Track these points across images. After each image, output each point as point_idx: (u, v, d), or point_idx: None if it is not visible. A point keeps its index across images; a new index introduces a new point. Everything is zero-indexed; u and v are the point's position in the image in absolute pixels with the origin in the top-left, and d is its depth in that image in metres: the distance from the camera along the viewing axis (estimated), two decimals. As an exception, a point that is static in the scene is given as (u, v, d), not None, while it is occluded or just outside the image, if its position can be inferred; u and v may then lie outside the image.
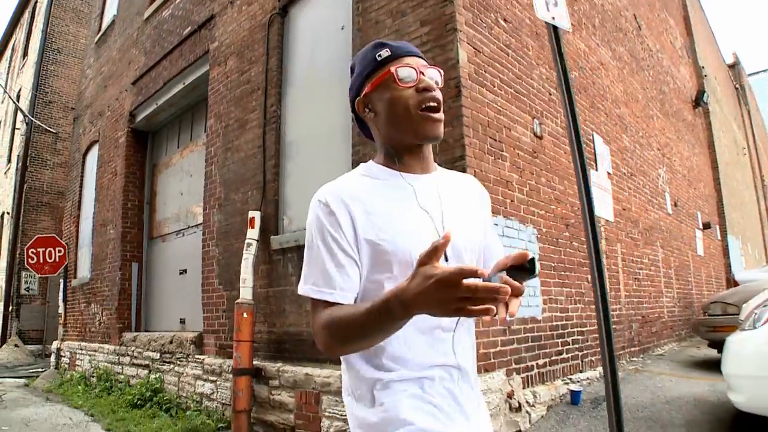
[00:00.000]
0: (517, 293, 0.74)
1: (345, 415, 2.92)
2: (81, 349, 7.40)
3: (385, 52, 1.01)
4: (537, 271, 0.77)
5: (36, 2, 13.51)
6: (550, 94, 4.32)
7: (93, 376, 6.72)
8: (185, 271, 6.11)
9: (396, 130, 1.00)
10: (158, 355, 5.70)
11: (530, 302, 3.58)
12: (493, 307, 0.70)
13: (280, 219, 4.50)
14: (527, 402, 3.42)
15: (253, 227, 4.53)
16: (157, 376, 5.60)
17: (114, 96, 7.62)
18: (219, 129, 5.29)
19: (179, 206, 6.42)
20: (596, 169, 4.89)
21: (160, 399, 5.33)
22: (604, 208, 4.92)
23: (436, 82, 1.01)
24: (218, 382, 4.75)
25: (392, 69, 0.98)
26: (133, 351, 6.19)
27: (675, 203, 7.34)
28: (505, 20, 3.91)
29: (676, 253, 7.06)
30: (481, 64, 3.50)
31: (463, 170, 3.18)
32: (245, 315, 4.32)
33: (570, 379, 3.97)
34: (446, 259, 0.95)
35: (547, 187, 4.02)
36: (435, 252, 0.73)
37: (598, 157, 4.96)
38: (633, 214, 5.77)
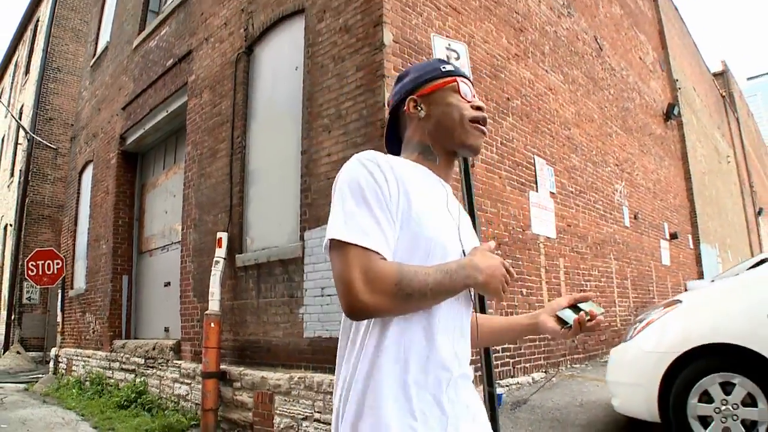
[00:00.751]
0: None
1: (293, 413, 3.61)
2: (77, 356, 8.11)
3: (449, 67, 1.13)
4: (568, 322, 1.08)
5: (38, 21, 14.37)
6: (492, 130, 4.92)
7: (87, 381, 7.41)
8: (169, 283, 6.78)
9: (445, 133, 1.07)
10: (143, 360, 6.37)
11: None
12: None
13: (243, 239, 5.15)
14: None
15: (220, 247, 5.19)
16: (142, 379, 6.27)
17: (106, 119, 8.34)
18: (195, 156, 5.96)
19: (164, 224, 7.10)
20: (536, 190, 5.48)
21: (143, 400, 6.00)
22: (544, 225, 5.50)
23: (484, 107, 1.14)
24: (192, 385, 5.40)
25: (459, 80, 1.10)
26: (122, 357, 6.87)
27: (635, 216, 7.89)
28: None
29: (634, 264, 7.60)
30: (408, 107, 4.11)
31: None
32: (212, 325, 4.96)
33: (499, 383, 4.55)
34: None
35: (479, 211, 4.62)
36: (489, 247, 0.99)
37: (539, 179, 5.55)
38: (580, 230, 6.34)
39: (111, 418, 5.60)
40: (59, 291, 9.15)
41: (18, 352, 11.11)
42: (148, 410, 5.78)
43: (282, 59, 5.08)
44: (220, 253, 5.16)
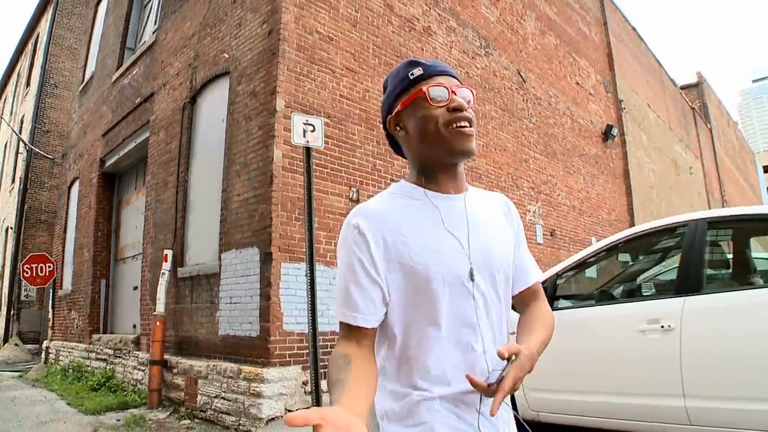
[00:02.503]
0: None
1: (208, 392, 5.39)
2: (63, 348, 9.87)
3: (417, 71, 1.11)
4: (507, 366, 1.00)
5: (38, 36, 16.24)
6: (375, 166, 6.44)
7: (70, 368, 9.15)
8: (137, 287, 8.46)
9: (428, 148, 1.10)
10: (112, 351, 8.07)
11: (330, 320, 5.73)
12: None
13: (184, 256, 6.77)
14: (323, 389, 5.58)
15: (166, 261, 6.82)
16: (111, 367, 7.97)
17: (90, 142, 10.06)
18: (153, 184, 7.60)
19: (134, 237, 8.78)
20: (424, 217, 6.98)
21: (110, 384, 7.68)
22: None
23: (468, 102, 1.10)
24: (145, 371, 7.05)
25: (424, 88, 1.08)
26: (97, 348, 8.59)
27: (551, 233, 9.30)
28: (327, 116, 6.05)
29: (547, 275, 9.03)
30: (295, 157, 5.65)
31: (269, 234, 5.35)
32: (158, 323, 6.60)
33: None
34: (472, 279, 1.07)
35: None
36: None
37: (428, 208, 7.04)
38: (480, 247, 7.81)
39: (83, 398, 7.29)
40: (50, 291, 10.95)
41: (16, 345, 13.01)
42: (114, 392, 7.46)
43: (214, 111, 6.67)
44: (166, 266, 6.80)
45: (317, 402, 4.40)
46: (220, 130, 6.41)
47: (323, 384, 5.05)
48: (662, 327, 3.08)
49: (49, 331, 10.76)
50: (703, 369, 2.94)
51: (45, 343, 10.87)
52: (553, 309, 3.60)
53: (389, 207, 1.09)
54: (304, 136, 4.88)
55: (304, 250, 5.47)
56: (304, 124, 4.94)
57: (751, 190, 24.29)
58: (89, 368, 8.64)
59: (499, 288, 1.12)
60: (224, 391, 5.57)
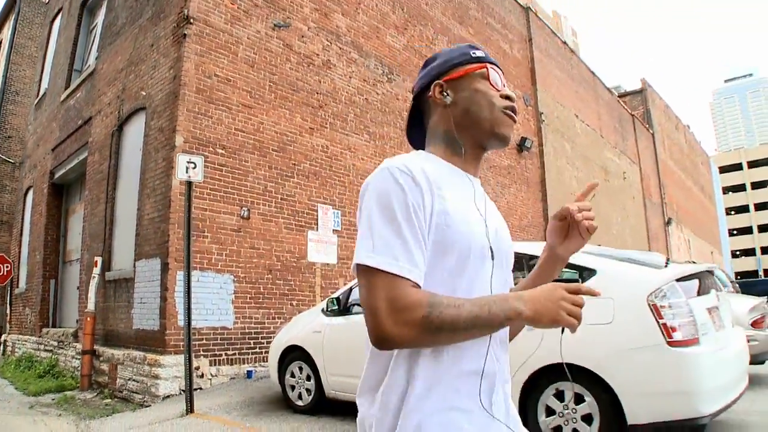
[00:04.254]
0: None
1: (124, 376, 7.16)
2: (18, 341, 11.57)
3: (480, 53, 1.20)
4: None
5: (0, 42, 17.78)
6: (266, 188, 8.07)
7: (23, 359, 10.85)
8: (79, 287, 10.14)
9: (473, 121, 1.14)
10: (57, 343, 9.75)
11: (221, 317, 7.40)
12: (578, 324, 0.98)
13: (111, 262, 8.43)
14: (211, 374, 7.27)
15: (96, 266, 8.48)
16: (55, 357, 9.65)
17: (43, 155, 11.69)
18: (89, 199, 9.25)
19: (79, 242, 10.42)
20: (316, 230, 8.63)
21: (54, 371, 9.37)
22: (324, 255, 8.65)
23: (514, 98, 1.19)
24: (80, 359, 8.74)
25: (489, 67, 1.17)
26: (46, 341, 10.27)
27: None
28: (222, 147, 7.68)
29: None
30: (196, 182, 7.28)
31: (167, 248, 7.00)
32: (89, 319, 8.27)
33: (257, 364, 7.75)
34: (492, 257, 1.10)
35: (251, 248, 7.80)
36: (579, 290, 1.02)
37: (320, 221, 8.69)
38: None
39: (29, 383, 8.98)
40: (8, 289, 12.63)
41: (-19, 338, 14.72)
42: (56, 377, 9.15)
43: (135, 141, 8.31)
44: (96, 271, 8.46)
45: (190, 384, 6.05)
46: (138, 158, 8.04)
47: (198, 368, 6.76)
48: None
49: (7, 326, 12.46)
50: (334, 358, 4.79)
51: (3, 337, 12.57)
52: (349, 314, 5.30)
53: (433, 167, 1.09)
54: (187, 172, 6.50)
55: (195, 260, 7.15)
56: (187, 162, 6.56)
57: (701, 192, 25.99)
58: (38, 358, 10.34)
59: (506, 273, 1.18)
60: (135, 375, 7.25)
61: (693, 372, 3.55)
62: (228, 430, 5.26)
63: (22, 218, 12.49)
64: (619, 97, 19.55)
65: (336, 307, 5.32)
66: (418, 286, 0.97)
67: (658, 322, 3.65)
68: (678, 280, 3.93)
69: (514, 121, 1.17)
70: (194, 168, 6.55)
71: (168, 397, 6.80)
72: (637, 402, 3.57)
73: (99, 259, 8.47)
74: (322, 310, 5.55)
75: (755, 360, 6.12)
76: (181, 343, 7.04)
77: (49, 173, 11.12)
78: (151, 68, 8.10)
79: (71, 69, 11.26)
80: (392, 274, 0.95)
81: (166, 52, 7.81)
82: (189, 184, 6.46)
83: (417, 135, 1.27)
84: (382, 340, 0.95)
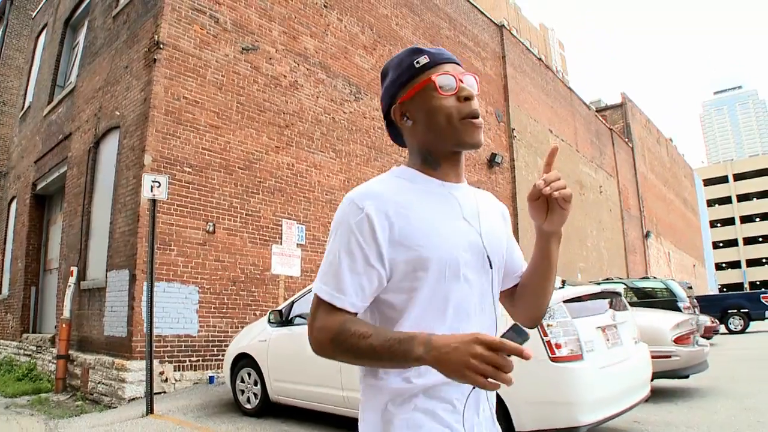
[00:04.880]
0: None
1: (95, 379, 7.89)
2: (0, 345, 12.26)
3: (423, 59, 1.18)
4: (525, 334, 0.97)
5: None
6: (231, 204, 8.77)
7: (4, 363, 11.53)
8: (57, 294, 10.83)
9: (437, 138, 1.16)
10: (36, 348, 10.44)
11: (186, 325, 8.08)
12: (497, 385, 0.93)
13: (86, 272, 9.12)
14: (175, 378, 7.95)
15: (72, 276, 9.17)
16: (34, 361, 10.33)
17: (26, 166, 12.40)
18: (68, 211, 9.95)
19: (58, 251, 11.14)
20: (280, 244, 9.32)
21: (32, 375, 10.04)
22: (288, 268, 9.33)
23: (475, 90, 1.18)
24: (56, 364, 9.42)
25: (433, 77, 1.15)
26: (25, 346, 10.96)
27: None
28: (190, 166, 8.38)
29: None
30: (157, 202, 7.98)
31: (135, 260, 7.69)
32: (64, 325, 8.95)
33: (219, 371, 8.42)
34: (491, 266, 1.17)
35: (215, 261, 8.49)
36: (503, 348, 0.92)
37: (285, 235, 9.38)
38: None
39: (7, 385, 9.65)
40: (-8, 295, 13.31)
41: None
42: (33, 381, 9.82)
43: (109, 158, 9.01)
44: (72, 280, 9.15)
45: (150, 387, 6.72)
46: (112, 174, 8.74)
47: (163, 373, 7.44)
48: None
49: (-9, 331, 13.14)
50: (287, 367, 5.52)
51: (-14, 342, 13.25)
52: (292, 325, 5.97)
53: (397, 188, 1.14)
54: (152, 191, 7.20)
55: (162, 272, 7.84)
56: (153, 181, 7.25)
57: (683, 204, 26.68)
58: (18, 362, 11.02)
59: (496, 281, 1.21)
60: (104, 378, 7.93)
61: (574, 385, 4.08)
62: (179, 429, 5.93)
63: (6, 227, 13.19)
64: (599, 111, 20.31)
65: (278, 319, 5.99)
66: (345, 311, 1.09)
67: (542, 339, 4.26)
68: (566, 301, 4.57)
69: (478, 126, 1.17)
70: (159, 187, 7.23)
71: (133, 399, 7.47)
72: (524, 410, 4.12)
73: (75, 269, 9.17)
74: (268, 320, 6.23)
75: (678, 374, 6.76)
76: (152, 350, 7.73)
77: (31, 185, 11.83)
78: (125, 89, 8.81)
79: (54, 84, 11.98)
80: (322, 299, 1.10)
81: (138, 75, 8.52)
82: (153, 202, 7.15)
83: (402, 140, 1.30)
84: (311, 347, 1.11)
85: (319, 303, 1.11)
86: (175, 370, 7.95)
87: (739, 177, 77.30)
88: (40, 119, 12.07)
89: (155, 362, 7.76)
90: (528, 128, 14.65)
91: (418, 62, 1.18)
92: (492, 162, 13.58)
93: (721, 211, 76.15)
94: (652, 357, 6.49)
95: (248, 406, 6.35)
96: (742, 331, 15.96)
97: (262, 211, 9.14)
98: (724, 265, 74.88)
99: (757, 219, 76.27)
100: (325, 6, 10.76)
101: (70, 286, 9.12)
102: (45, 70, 12.65)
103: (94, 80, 9.99)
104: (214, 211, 8.56)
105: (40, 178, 11.53)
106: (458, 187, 1.21)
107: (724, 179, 77.87)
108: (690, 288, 15.72)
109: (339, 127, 10.55)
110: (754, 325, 16.78)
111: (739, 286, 67.01)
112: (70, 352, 8.93)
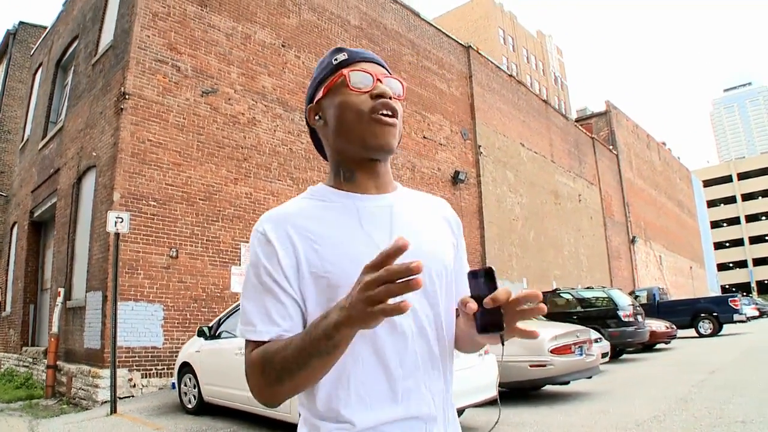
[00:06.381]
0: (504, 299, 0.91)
1: (76, 386, 9.95)
2: (3, 357, 14.36)
3: (341, 56, 1.17)
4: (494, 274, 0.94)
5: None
6: (193, 231, 10.60)
7: (5, 373, 13.62)
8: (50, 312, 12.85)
9: (345, 139, 1.13)
10: (32, 359, 12.47)
11: (152, 338, 9.93)
12: (407, 304, 0.83)
13: (71, 292, 11.08)
14: (142, 384, 9.81)
15: (59, 295, 11.14)
16: (31, 371, 12.36)
17: (25, 195, 14.51)
18: (57, 238, 11.93)
19: (51, 273, 13.16)
20: (239, 265, 11.11)
21: (28, 383, 12.05)
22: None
23: (397, 94, 1.15)
24: (46, 373, 11.40)
25: (345, 72, 1.13)
26: (24, 357, 13.01)
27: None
28: (154, 199, 10.23)
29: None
30: (123, 235, 9.84)
31: (106, 283, 9.57)
32: (53, 339, 10.91)
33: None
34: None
35: (179, 282, 10.31)
36: (385, 258, 0.83)
37: (243, 257, 11.16)
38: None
39: (6, 393, 11.67)
40: (-2, 312, 15.48)
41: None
42: (29, 388, 11.83)
43: (88, 193, 10.94)
44: (59, 300, 11.12)
45: (114, 392, 8.55)
46: (90, 207, 10.68)
47: (131, 380, 9.29)
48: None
49: (-3, 345, 15.30)
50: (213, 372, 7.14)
51: (-6, 355, 15.42)
52: (219, 338, 7.75)
53: (299, 209, 1.12)
54: (115, 225, 9.06)
55: (130, 293, 9.71)
56: (116, 217, 9.13)
57: (677, 207, 27.63)
58: (17, 372, 13.08)
59: (435, 296, 1.11)
60: (83, 385, 9.83)
61: None
62: (131, 424, 7.76)
63: (9, 250, 15.33)
64: (584, 119, 21.64)
65: (207, 334, 7.77)
66: (265, 342, 1.03)
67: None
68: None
69: (386, 124, 1.11)
70: (121, 222, 9.07)
71: (105, 402, 9.33)
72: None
73: (62, 290, 11.13)
74: (197, 334, 8.02)
75: (557, 381, 8.24)
76: (117, 360, 9.61)
77: (29, 212, 13.91)
78: (100, 133, 10.74)
79: (47, 121, 14.04)
80: (251, 341, 1.04)
81: (110, 121, 10.43)
82: (117, 235, 9.01)
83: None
84: (262, 404, 1.04)
85: (248, 348, 1.05)
86: (142, 377, 9.81)
87: (743, 176, 79.90)
88: (36, 152, 14.15)
89: (125, 370, 9.65)
90: (496, 144, 16.18)
91: (336, 59, 1.17)
92: (456, 179, 15.15)
93: (727, 211, 78.99)
94: (531, 366, 8.11)
95: (189, 406, 8.14)
96: (713, 335, 17.17)
97: (221, 236, 10.95)
98: (731, 264, 78.05)
99: (763, 218, 78.94)
100: (282, 45, 12.55)
101: (57, 304, 11.09)
102: (40, 106, 14.74)
103: (77, 121, 11.96)
104: (177, 238, 10.39)
105: (36, 207, 13.59)
106: (372, 198, 1.16)
107: (728, 179, 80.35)
108: (664, 293, 17.04)
109: (296, 156, 12.31)
110: (727, 328, 17.92)
111: (746, 285, 68.85)
112: (58, 362, 10.88)
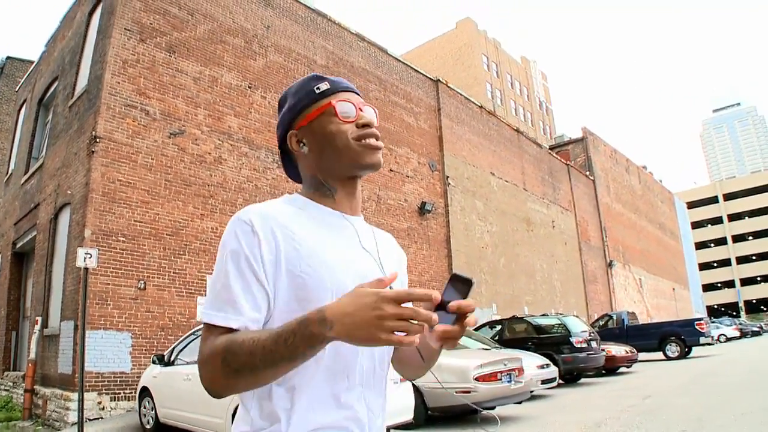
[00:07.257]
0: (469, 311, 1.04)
1: (51, 409, 11.46)
2: (-12, 383, 15.69)
3: (324, 85, 1.28)
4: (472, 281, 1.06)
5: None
6: (160, 264, 11.92)
7: (-11, 398, 14.92)
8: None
9: (333, 161, 1.26)
10: (12, 383, 13.78)
11: (120, 364, 11.22)
12: (416, 339, 0.93)
13: (48, 321, 12.41)
14: (111, 407, 11.09)
15: (37, 324, 12.48)
16: (11, 394, 13.67)
17: (8, 227, 15.92)
18: (36, 270, 13.29)
19: (31, 302, 14.52)
20: (205, 295, 12.40)
21: (8, 406, 13.34)
22: (211, 313, 12.40)
23: (373, 120, 1.29)
24: (24, 397, 12.69)
25: (333, 102, 1.25)
26: (5, 382, 14.32)
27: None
28: (123, 235, 11.58)
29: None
30: (93, 270, 11.18)
31: (77, 313, 10.89)
32: (30, 365, 12.22)
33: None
34: None
35: (147, 311, 11.61)
36: (380, 284, 0.96)
37: (208, 288, 12.45)
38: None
39: (-12, 416, 12.99)
40: (-17, 339, 16.82)
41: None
42: (9, 411, 13.12)
43: (64, 228, 12.30)
44: (37, 327, 12.45)
45: (81, 414, 9.81)
46: (65, 242, 12.04)
47: (101, 403, 10.57)
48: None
49: (-19, 371, 16.62)
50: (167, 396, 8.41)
51: (-22, 380, 16.75)
52: (173, 365, 9.05)
53: (281, 211, 1.20)
54: (84, 261, 10.40)
55: (100, 322, 11.02)
56: (85, 253, 10.47)
57: (658, 229, 28.73)
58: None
59: None
60: (57, 407, 11.12)
61: None
62: (94, 441, 9.04)
63: (-7, 279, 16.73)
64: (561, 146, 22.91)
65: (161, 361, 9.06)
66: (232, 329, 1.08)
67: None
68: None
69: (376, 147, 1.27)
70: (90, 258, 10.41)
71: (75, 423, 10.63)
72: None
73: (39, 318, 12.48)
74: (152, 362, 9.30)
75: (484, 406, 9.32)
76: (87, 384, 10.92)
77: (12, 243, 15.31)
78: (74, 172, 12.13)
79: (30, 156, 15.49)
80: (213, 325, 1.09)
81: (82, 162, 11.81)
82: (86, 269, 10.34)
83: (298, 178, 1.39)
84: (207, 391, 1.08)
85: (210, 332, 1.09)
86: (111, 401, 11.09)
87: (729, 196, 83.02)
88: (19, 187, 15.59)
89: (95, 394, 10.94)
90: (465, 174, 17.47)
91: (318, 88, 1.28)
92: (422, 210, 16.44)
93: (713, 232, 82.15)
94: (458, 392, 9.28)
95: (148, 427, 9.42)
96: (681, 357, 18.29)
97: (188, 269, 12.27)
98: (719, 285, 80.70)
99: (750, 237, 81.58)
100: (249, 87, 13.97)
101: (35, 332, 12.42)
102: (24, 141, 16.21)
103: (55, 160, 13.38)
104: (145, 271, 11.72)
105: (18, 239, 14.99)
106: (355, 219, 1.30)
107: (713, 200, 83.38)
108: (633, 317, 18.18)
109: (261, 192, 13.66)
110: (697, 351, 18.99)
111: (734, 305, 71.28)
112: (35, 386, 12.18)
